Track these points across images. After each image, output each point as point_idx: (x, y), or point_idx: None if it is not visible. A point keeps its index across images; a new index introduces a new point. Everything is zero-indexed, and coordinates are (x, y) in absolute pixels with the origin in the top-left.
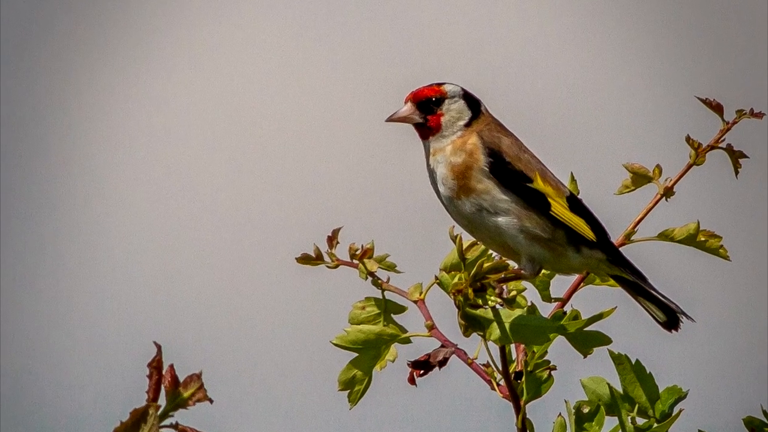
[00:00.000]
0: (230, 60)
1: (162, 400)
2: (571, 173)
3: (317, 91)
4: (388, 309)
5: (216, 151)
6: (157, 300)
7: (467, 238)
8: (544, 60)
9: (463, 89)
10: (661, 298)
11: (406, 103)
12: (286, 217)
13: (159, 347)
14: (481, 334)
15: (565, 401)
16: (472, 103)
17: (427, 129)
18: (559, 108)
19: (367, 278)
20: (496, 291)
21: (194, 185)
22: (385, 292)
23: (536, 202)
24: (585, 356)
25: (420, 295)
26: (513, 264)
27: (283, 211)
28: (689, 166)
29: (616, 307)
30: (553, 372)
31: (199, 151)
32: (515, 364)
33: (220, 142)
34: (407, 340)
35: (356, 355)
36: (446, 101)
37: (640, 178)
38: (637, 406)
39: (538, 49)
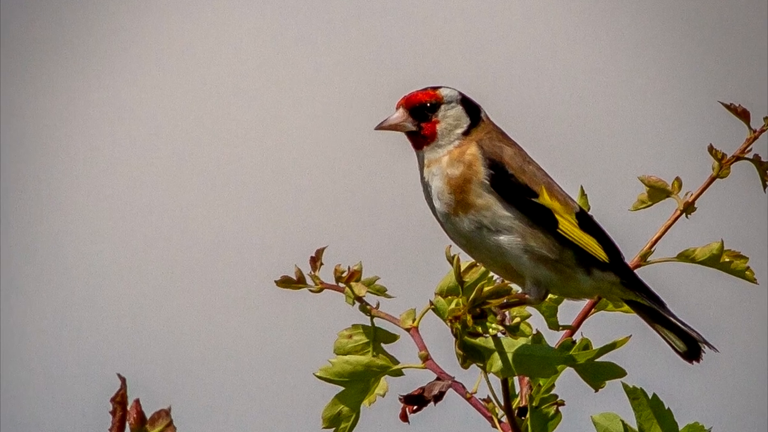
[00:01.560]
0: (203, 62)
1: None
2: (581, 187)
3: (299, 96)
4: (377, 338)
5: (187, 162)
6: (120, 327)
7: (466, 259)
8: (551, 61)
9: (461, 94)
10: (680, 325)
11: (397, 108)
12: (264, 235)
13: (123, 380)
14: (481, 365)
15: None
16: (471, 109)
17: (421, 138)
18: (568, 114)
19: (354, 303)
20: (498, 318)
21: (162, 200)
22: (375, 319)
23: (542, 219)
24: (596, 390)
25: (413, 322)
26: (516, 288)
27: (261, 229)
28: (712, 179)
29: (630, 335)
30: (560, 408)
31: (168, 162)
32: (519, 398)
33: (192, 153)
34: (399, 372)
35: (342, 388)
36: (442, 107)
37: (657, 193)
38: None
39: (544, 48)
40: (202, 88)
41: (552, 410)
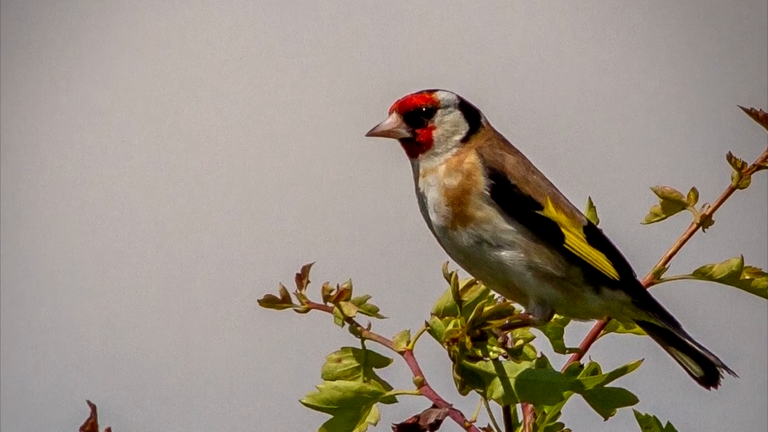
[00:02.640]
0: (179, 62)
1: None
2: (589, 198)
3: (283, 99)
4: (369, 362)
5: (162, 171)
6: (90, 350)
7: (464, 277)
8: (556, 61)
9: (459, 97)
10: (697, 348)
11: (390, 113)
12: (246, 250)
13: (93, 407)
14: (481, 391)
15: None
16: (470, 114)
17: (416, 145)
18: (574, 120)
19: (343, 324)
20: (499, 340)
21: (135, 212)
22: (366, 342)
23: (547, 233)
24: (606, 418)
25: (407, 344)
26: (519, 307)
27: (242, 244)
28: (731, 190)
29: (643, 359)
30: None
31: (142, 171)
32: (522, 427)
33: (167, 161)
34: (392, 399)
35: (331, 417)
36: (439, 112)
37: (672, 204)
38: None
39: (548, 47)
40: (179, 91)
41: None
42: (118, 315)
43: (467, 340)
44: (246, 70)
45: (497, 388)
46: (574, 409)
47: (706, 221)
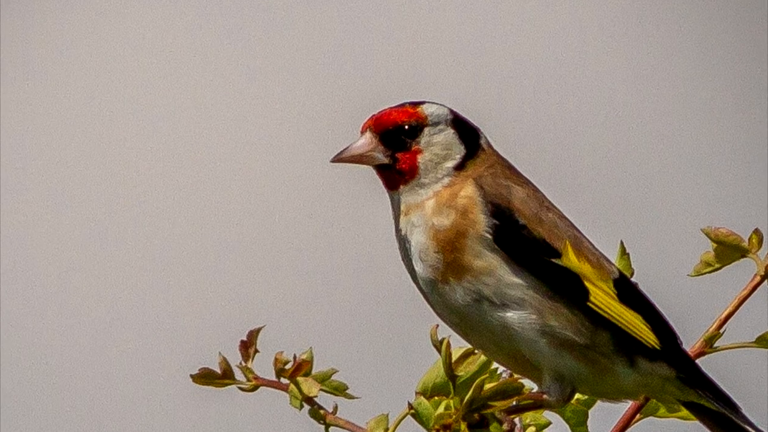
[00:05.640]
0: (94, 70)
1: None
2: (621, 243)
3: (223, 115)
4: None
5: (74, 206)
6: None
7: (459, 344)
8: (577, 68)
9: (452, 112)
10: None
11: (363, 133)
12: (176, 312)
13: None
14: None
15: None
16: (467, 133)
17: (397, 173)
18: (600, 142)
19: (302, 407)
20: (505, 427)
21: (40, 263)
22: (331, 429)
23: (567, 288)
24: None
25: None
26: (531, 384)
27: (172, 303)
28: None
29: None
30: None
31: (48, 209)
32: None
33: (81, 193)
34: None
35: None
36: (426, 130)
37: (728, 251)
38: None
39: (566, 50)
40: (93, 103)
41: None
42: (23, 398)
43: (463, 427)
44: (180, 77)
45: None
46: None
47: None
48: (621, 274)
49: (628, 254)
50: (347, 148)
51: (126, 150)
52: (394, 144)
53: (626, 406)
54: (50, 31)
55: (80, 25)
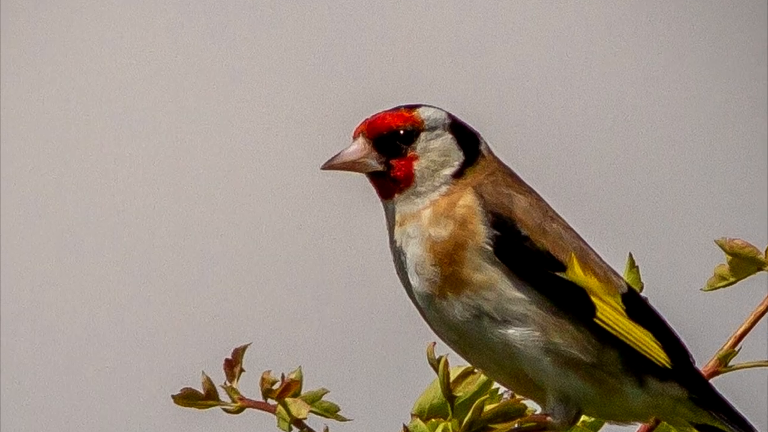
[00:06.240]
0: (66, 74)
1: None
2: (630, 256)
3: (212, 121)
4: None
5: (53, 220)
6: None
7: (458, 363)
8: (582, 70)
9: (450, 116)
10: None
11: (355, 138)
12: (158, 328)
13: None
14: None
15: None
16: (466, 138)
17: (391, 181)
18: (608, 149)
19: (290, 429)
20: None
21: (19, 277)
22: None
23: (572, 303)
24: None
25: None
26: (533, 406)
27: (153, 319)
28: None
29: None
30: None
31: (26, 224)
32: None
33: (60, 206)
34: None
35: None
36: (422, 135)
37: (744, 264)
38: None
39: (571, 51)
40: (73, 111)
41: None
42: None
43: None
44: (162, 80)
45: None
46: None
47: None
48: (630, 288)
49: (637, 267)
50: (339, 154)
51: (106, 160)
52: (389, 150)
53: (635, 428)
54: (30, 34)
55: (62, 28)
